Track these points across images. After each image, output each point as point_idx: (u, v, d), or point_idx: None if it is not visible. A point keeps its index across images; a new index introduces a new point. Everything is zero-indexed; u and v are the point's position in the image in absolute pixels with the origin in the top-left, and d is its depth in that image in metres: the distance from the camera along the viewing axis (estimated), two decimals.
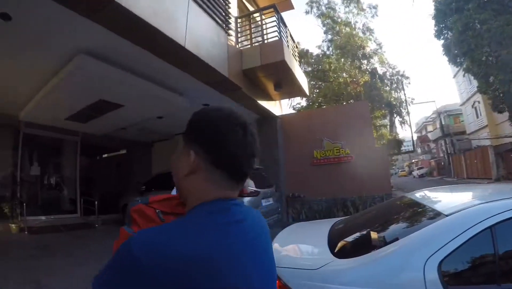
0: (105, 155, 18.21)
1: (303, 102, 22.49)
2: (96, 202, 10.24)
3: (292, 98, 20.19)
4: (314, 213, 10.02)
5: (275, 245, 2.71)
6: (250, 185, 7.10)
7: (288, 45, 8.53)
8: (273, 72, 8.32)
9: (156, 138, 12.99)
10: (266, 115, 10.42)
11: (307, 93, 11.30)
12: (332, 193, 10.17)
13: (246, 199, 6.84)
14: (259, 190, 7.32)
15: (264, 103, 9.42)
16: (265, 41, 8.33)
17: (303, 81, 10.37)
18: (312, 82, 20.73)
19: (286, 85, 9.31)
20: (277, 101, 11.17)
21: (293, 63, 8.84)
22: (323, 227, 3.16)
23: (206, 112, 0.97)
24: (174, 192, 3.91)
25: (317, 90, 21.23)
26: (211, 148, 0.85)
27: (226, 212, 0.84)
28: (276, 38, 8.16)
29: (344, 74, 20.50)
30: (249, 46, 8.50)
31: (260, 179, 8.01)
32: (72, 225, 9.39)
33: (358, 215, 3.76)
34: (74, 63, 5.79)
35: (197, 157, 0.85)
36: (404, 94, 23.58)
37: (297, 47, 10.34)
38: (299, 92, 10.69)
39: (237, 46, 8.08)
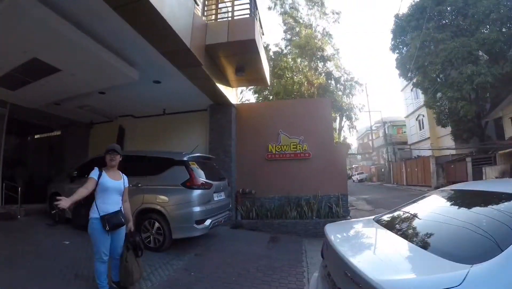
0: (38, 136, 16.09)
1: (253, 99, 22.26)
2: (19, 189, 8.60)
3: (242, 95, 19.62)
4: (266, 212, 9.31)
5: (354, 266, 1.82)
6: (200, 176, 6.22)
7: (258, 26, 7.70)
8: (238, 52, 7.47)
9: (96, 119, 11.52)
10: (222, 102, 9.49)
11: (268, 83, 10.56)
12: (286, 190, 9.55)
13: (197, 192, 5.95)
14: (211, 182, 6.46)
15: (221, 88, 8.47)
16: (235, 18, 7.53)
17: (266, 69, 9.62)
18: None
19: (249, 71, 8.43)
20: (234, 89, 10.28)
21: (261, 47, 8.03)
22: (371, 227, 2.81)
23: None
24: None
25: (270, 88, 20.65)
26: None
27: None
28: (247, 16, 7.37)
29: (300, 74, 20.17)
30: (215, 21, 7.62)
31: (211, 170, 7.17)
32: None
33: (408, 210, 2.92)
34: None
35: None
36: (367, 100, 23.76)
37: (263, 33, 9.52)
38: (260, 80, 9.87)
39: (203, 18, 7.10)
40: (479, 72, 19.40)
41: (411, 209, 2.91)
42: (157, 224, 5.85)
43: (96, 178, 3.75)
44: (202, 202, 6.04)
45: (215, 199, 6.57)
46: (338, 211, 9.27)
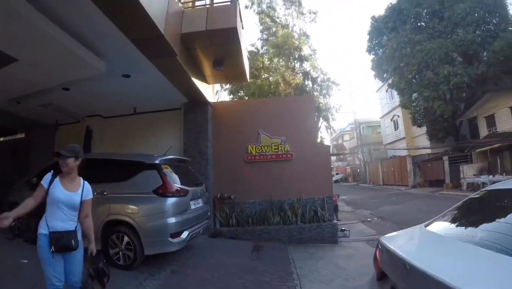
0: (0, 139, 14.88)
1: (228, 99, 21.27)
2: None
3: (217, 96, 18.88)
4: (247, 218, 8.62)
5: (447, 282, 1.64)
6: (175, 181, 5.45)
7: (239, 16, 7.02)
8: (217, 43, 6.77)
9: (62, 120, 10.51)
10: (197, 99, 8.73)
11: (248, 79, 9.90)
12: (268, 194, 8.89)
13: (171, 200, 5.18)
14: (187, 188, 5.69)
15: (197, 84, 7.74)
16: (214, 5, 6.89)
17: (246, 64, 8.98)
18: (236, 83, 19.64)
19: (228, 65, 7.72)
20: (211, 86, 9.56)
21: (242, 38, 7.35)
22: (434, 236, 2.57)
23: None
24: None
25: (245, 89, 20.08)
26: None
27: None
28: (228, 3, 6.73)
29: (276, 74, 19.70)
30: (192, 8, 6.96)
31: (187, 174, 6.42)
32: None
33: (459, 215, 2.87)
34: None
35: None
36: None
37: (243, 27, 8.84)
38: (240, 76, 9.18)
39: (179, 4, 6.36)
40: (456, 73, 19.87)
41: (461, 214, 2.87)
42: (126, 238, 5.01)
43: (46, 185, 2.99)
44: (178, 211, 5.27)
45: (192, 207, 5.81)
46: (324, 214, 8.71)
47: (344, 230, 9.40)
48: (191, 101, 8.87)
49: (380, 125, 38.96)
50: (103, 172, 5.60)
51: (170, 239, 4.96)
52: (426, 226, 2.81)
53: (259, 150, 9.16)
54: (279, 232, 8.30)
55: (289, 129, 9.27)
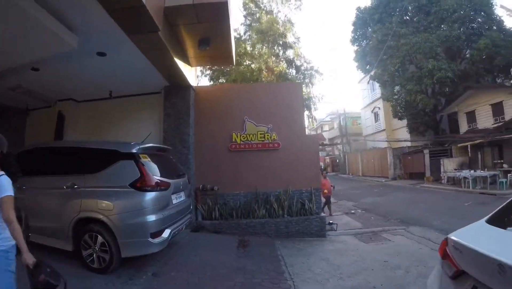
0: None
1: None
2: None
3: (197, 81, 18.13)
4: (231, 210, 8.09)
5: None
6: (154, 173, 4.81)
7: None
8: (204, 19, 6.08)
9: (33, 105, 9.62)
10: (179, 83, 8.04)
11: (234, 61, 9.27)
12: (253, 186, 8.41)
13: (150, 195, 4.55)
14: (168, 180, 5.06)
15: (180, 65, 7.07)
16: None
17: (233, 45, 8.33)
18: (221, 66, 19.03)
19: (214, 45, 7.06)
20: (193, 69, 8.90)
21: (232, 14, 6.72)
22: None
23: None
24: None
25: (227, 75, 19.47)
26: None
27: None
28: None
29: (260, 60, 19.14)
30: None
31: (168, 165, 5.81)
32: None
33: None
34: None
35: None
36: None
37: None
38: (226, 58, 8.51)
39: None
40: (440, 68, 20.04)
41: None
42: (101, 238, 4.35)
43: None
44: (158, 207, 4.64)
45: (174, 202, 5.18)
46: (311, 207, 8.32)
47: (331, 223, 9.10)
48: (172, 84, 8.18)
49: (360, 117, 39.22)
50: (73, 162, 4.95)
51: (150, 239, 4.34)
52: (489, 222, 2.64)
53: (244, 138, 8.63)
54: (265, 226, 7.86)
55: (276, 117, 8.78)
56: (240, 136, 8.62)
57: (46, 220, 4.67)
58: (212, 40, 6.90)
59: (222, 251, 6.26)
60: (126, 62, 6.67)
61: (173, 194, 5.14)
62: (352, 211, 12.58)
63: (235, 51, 16.89)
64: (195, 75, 9.66)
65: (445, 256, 2.58)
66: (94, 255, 4.41)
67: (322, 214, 8.71)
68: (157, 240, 4.42)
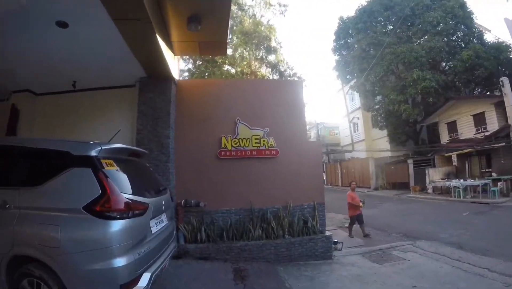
0: None
1: None
2: None
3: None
4: (220, 231, 6.61)
5: None
6: (124, 189, 3.17)
7: None
8: None
9: None
10: (159, 73, 6.54)
11: (226, 51, 7.84)
12: (247, 200, 6.99)
13: (119, 225, 2.93)
14: (145, 200, 3.47)
15: (163, 49, 5.62)
16: None
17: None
18: (202, 69, 17.91)
19: (207, 25, 5.66)
20: (176, 59, 7.42)
21: None
22: None
23: None
24: None
25: (210, 75, 18.23)
26: None
27: None
28: None
29: (242, 63, 18.08)
30: None
31: (144, 176, 4.22)
32: None
33: None
34: None
35: None
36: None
37: None
38: (218, 45, 7.02)
39: None
40: (424, 78, 20.16)
41: None
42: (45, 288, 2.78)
43: None
44: (132, 243, 3.01)
45: (154, 230, 3.56)
46: (315, 225, 7.05)
47: (337, 242, 7.79)
48: (150, 75, 6.69)
49: (338, 127, 39.06)
50: (5, 169, 3.33)
51: None
52: None
53: (235, 144, 7.21)
54: (263, 249, 6.47)
55: (273, 120, 7.47)
56: (231, 141, 7.20)
57: None
58: (205, 19, 5.51)
59: (215, 287, 4.77)
60: (93, 39, 5.17)
61: (152, 218, 3.54)
62: (346, 225, 11.40)
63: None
64: (178, 66, 8.13)
65: None
66: None
67: (327, 233, 7.40)
68: None
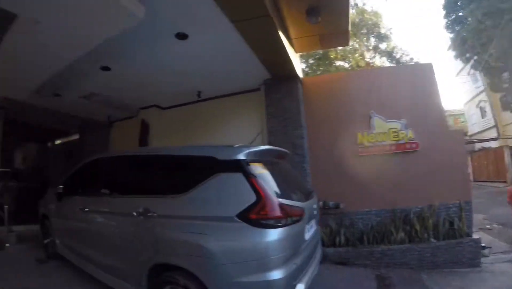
0: (58, 141, 13.90)
1: None
2: (6, 207, 6.42)
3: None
4: (360, 234, 6.17)
5: None
6: (279, 193, 2.94)
7: None
8: None
9: (114, 116, 9.11)
10: (283, 73, 6.43)
11: (349, 41, 7.41)
12: (388, 200, 6.41)
13: (276, 233, 2.73)
14: (299, 204, 3.24)
15: (286, 47, 5.46)
16: None
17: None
18: (314, 67, 17.69)
19: (326, 16, 5.37)
20: (298, 56, 7.26)
21: None
22: None
23: None
24: None
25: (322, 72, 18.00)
26: None
27: None
28: None
29: (355, 56, 17.33)
30: None
31: (291, 179, 4.03)
32: None
33: None
34: None
35: None
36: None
37: None
38: (340, 35, 6.65)
39: None
40: None
41: None
42: None
43: None
44: (290, 253, 2.80)
45: (307, 237, 3.29)
46: (461, 227, 6.16)
47: (485, 246, 6.70)
48: (274, 76, 6.65)
49: (463, 114, 34.47)
50: (146, 177, 3.50)
51: None
52: None
53: (372, 139, 6.72)
54: (406, 254, 5.80)
55: (409, 109, 6.77)
56: (367, 136, 6.74)
57: (111, 256, 3.48)
58: (324, 10, 5.23)
59: None
60: (214, 47, 5.29)
61: (306, 227, 3.30)
62: (487, 226, 9.90)
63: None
64: (299, 63, 7.95)
65: None
66: None
67: (474, 236, 6.44)
68: None
